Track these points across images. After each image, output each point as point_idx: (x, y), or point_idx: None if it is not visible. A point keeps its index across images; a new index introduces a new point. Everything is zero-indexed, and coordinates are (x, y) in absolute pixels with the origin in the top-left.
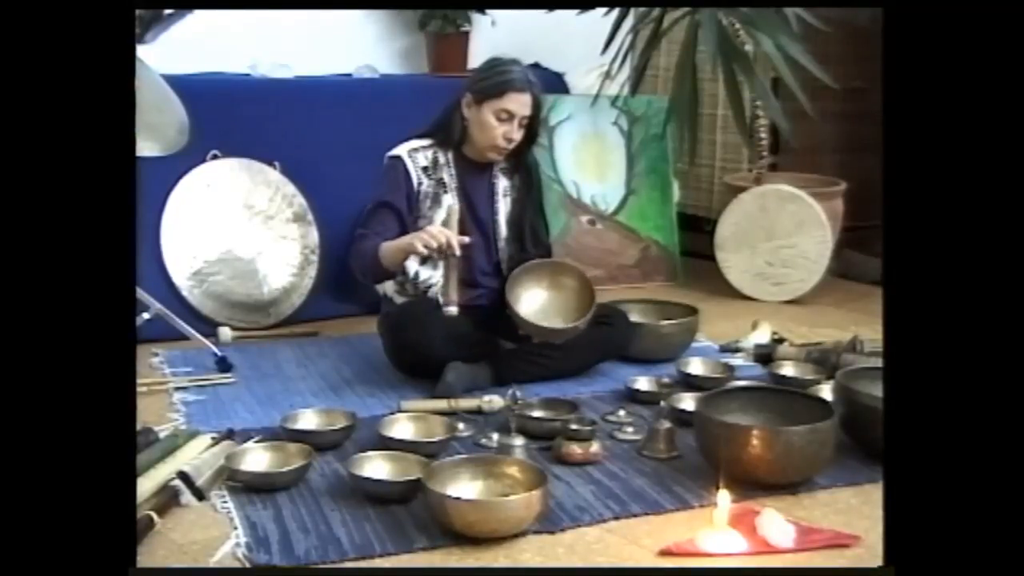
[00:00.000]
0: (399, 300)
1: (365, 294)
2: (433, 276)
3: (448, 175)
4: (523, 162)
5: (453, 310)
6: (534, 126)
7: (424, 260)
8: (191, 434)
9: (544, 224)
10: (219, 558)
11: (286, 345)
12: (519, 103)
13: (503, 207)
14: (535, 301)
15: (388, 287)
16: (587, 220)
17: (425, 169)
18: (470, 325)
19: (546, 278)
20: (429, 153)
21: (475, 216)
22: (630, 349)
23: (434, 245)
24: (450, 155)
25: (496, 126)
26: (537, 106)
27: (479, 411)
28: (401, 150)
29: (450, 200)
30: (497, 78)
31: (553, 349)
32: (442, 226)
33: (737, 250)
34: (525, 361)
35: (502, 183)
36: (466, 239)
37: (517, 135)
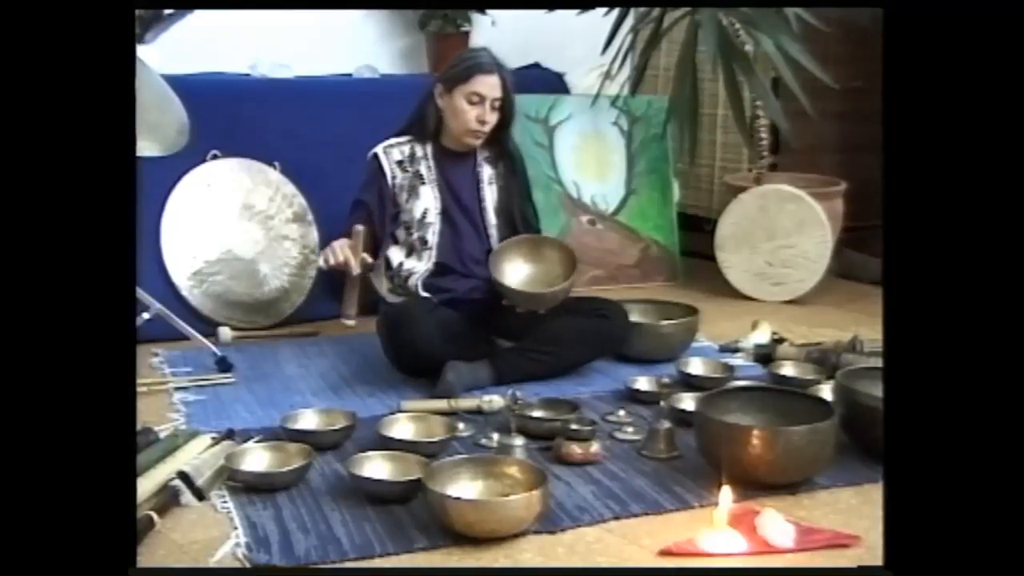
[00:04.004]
0: (392, 299)
1: (365, 294)
2: (417, 267)
3: (426, 167)
4: (505, 149)
5: (351, 323)
6: (507, 108)
7: (410, 252)
8: (191, 434)
9: (533, 209)
10: (219, 558)
11: (286, 345)
12: (487, 85)
13: (490, 195)
14: (518, 273)
15: (383, 287)
16: (587, 220)
17: (400, 163)
18: (467, 323)
19: (528, 251)
20: (406, 148)
21: (460, 204)
22: (629, 346)
23: (332, 262)
24: (428, 148)
25: (468, 110)
26: (507, 88)
27: (479, 411)
28: (379, 147)
29: (429, 191)
30: (464, 64)
31: (551, 344)
32: (350, 240)
33: (737, 250)
34: (524, 358)
35: (487, 171)
36: (368, 259)
37: (490, 117)
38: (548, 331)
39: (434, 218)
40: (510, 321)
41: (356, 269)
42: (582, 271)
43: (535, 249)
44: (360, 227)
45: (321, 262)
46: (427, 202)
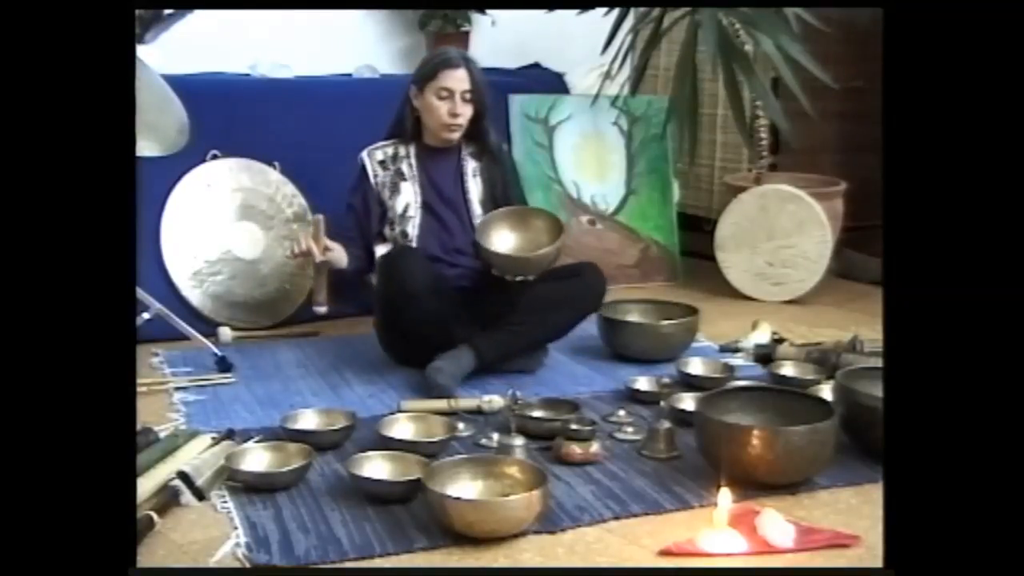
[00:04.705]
0: None
1: (364, 294)
2: None
3: (407, 165)
4: (488, 145)
5: (322, 310)
6: (478, 99)
7: (394, 246)
8: (191, 434)
9: (521, 197)
10: (219, 558)
11: (286, 345)
12: (454, 79)
13: (474, 187)
14: (505, 243)
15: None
16: (587, 220)
17: (382, 163)
18: (456, 299)
19: (515, 221)
20: (389, 149)
21: (443, 198)
22: (629, 346)
23: (296, 251)
24: (411, 148)
25: (439, 105)
26: (476, 81)
27: (479, 411)
28: (365, 151)
29: (409, 187)
30: (431, 62)
31: (529, 314)
32: (313, 231)
33: (737, 250)
34: (504, 332)
35: (471, 165)
36: (331, 246)
37: (462, 109)
38: (525, 302)
39: (414, 212)
40: (496, 302)
41: (319, 256)
42: None
43: (521, 219)
44: (319, 216)
45: (288, 253)
46: (407, 197)
